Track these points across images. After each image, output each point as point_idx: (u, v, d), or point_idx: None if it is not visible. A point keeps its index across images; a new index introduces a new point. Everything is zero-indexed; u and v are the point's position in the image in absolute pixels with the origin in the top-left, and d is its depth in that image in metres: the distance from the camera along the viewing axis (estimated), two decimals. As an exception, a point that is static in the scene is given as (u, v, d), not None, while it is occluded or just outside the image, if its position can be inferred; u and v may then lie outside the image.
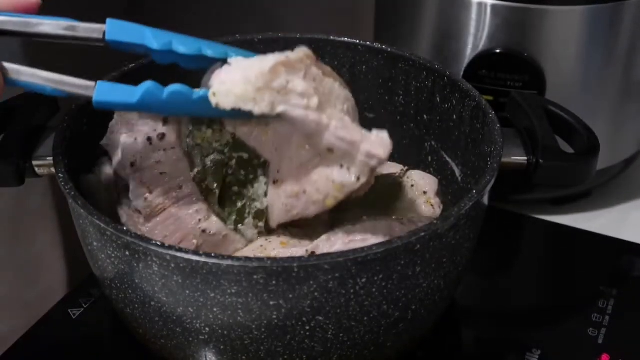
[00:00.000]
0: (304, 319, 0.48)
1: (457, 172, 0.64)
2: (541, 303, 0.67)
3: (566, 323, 0.65)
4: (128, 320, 0.54)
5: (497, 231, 0.73)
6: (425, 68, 0.64)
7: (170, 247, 0.46)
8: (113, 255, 0.49)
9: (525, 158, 0.57)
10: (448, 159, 0.65)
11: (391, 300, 0.49)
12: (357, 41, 0.68)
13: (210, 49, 0.51)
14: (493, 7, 0.68)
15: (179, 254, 0.45)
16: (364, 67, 0.68)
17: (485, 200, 0.54)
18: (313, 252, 0.52)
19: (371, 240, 0.51)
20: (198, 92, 0.48)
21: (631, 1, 0.68)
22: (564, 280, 0.69)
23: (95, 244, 0.51)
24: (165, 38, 0.50)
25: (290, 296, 0.46)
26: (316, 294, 0.46)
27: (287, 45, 0.69)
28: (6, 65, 0.47)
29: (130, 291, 0.50)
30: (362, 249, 0.46)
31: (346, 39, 0.68)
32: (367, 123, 0.70)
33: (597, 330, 0.63)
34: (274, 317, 0.47)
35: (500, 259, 0.73)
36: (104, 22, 0.49)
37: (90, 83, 0.48)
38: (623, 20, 0.69)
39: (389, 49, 0.66)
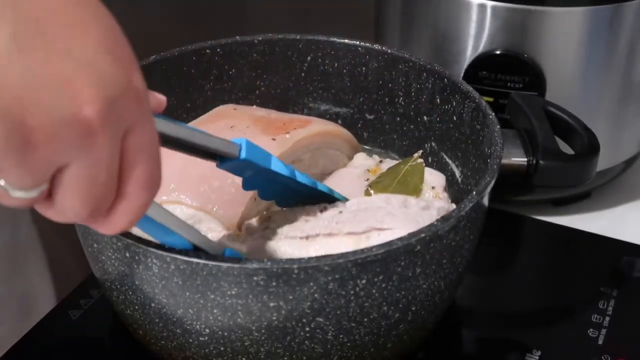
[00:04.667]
0: (304, 320, 0.48)
1: (457, 173, 0.64)
2: (541, 304, 0.67)
3: (566, 324, 0.64)
4: (128, 321, 0.54)
5: (497, 232, 0.73)
6: (426, 69, 0.64)
7: (170, 249, 0.46)
8: (113, 256, 0.49)
9: (525, 159, 0.57)
10: (448, 160, 0.65)
11: (391, 301, 0.49)
12: (358, 42, 0.68)
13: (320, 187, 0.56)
14: (493, 8, 0.68)
15: (178, 256, 0.45)
16: (364, 68, 0.68)
17: (485, 201, 0.54)
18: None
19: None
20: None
21: (631, 2, 0.68)
22: (564, 281, 0.69)
23: (95, 245, 0.51)
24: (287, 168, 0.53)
25: (290, 297, 0.46)
26: (316, 295, 0.46)
27: (287, 46, 0.69)
28: None
29: (130, 292, 0.50)
30: (362, 250, 0.46)
31: (346, 40, 0.68)
32: (367, 124, 0.70)
33: (597, 331, 0.63)
34: (274, 318, 0.47)
35: (500, 259, 0.73)
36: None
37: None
38: (623, 21, 0.69)
39: (389, 51, 0.66)
